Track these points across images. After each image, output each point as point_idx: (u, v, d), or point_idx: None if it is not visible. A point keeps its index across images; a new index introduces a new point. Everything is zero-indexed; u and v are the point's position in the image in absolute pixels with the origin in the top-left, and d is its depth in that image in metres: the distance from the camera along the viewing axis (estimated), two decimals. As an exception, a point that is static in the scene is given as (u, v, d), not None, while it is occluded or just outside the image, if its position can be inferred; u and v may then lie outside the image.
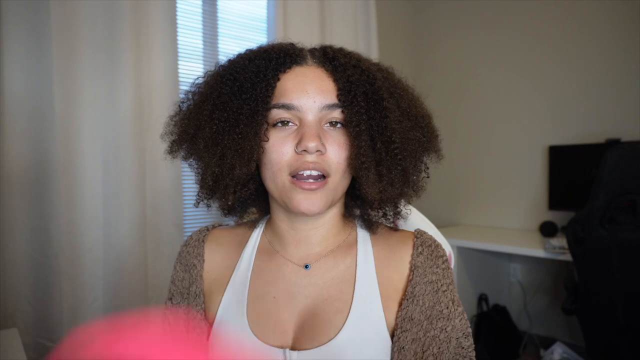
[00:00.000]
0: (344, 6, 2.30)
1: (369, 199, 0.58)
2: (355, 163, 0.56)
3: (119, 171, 1.59)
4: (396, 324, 0.59)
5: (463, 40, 2.68)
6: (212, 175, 0.58)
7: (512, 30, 2.47)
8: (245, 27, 2.09)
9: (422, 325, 0.58)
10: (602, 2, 2.17)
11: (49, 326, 1.49)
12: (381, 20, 2.50)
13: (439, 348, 0.57)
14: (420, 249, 0.62)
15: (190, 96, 0.64)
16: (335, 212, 0.64)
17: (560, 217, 2.20)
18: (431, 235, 0.66)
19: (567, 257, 1.68)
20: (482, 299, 2.35)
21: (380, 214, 0.65)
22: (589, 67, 2.21)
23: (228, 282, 0.65)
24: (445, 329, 0.58)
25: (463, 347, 0.59)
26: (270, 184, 0.59)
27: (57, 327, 1.49)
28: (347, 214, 0.67)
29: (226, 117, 0.56)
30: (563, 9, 2.28)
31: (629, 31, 2.08)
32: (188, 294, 0.66)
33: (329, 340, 0.57)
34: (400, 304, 0.60)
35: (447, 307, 0.59)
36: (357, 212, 0.68)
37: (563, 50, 2.29)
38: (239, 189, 0.61)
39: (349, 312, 0.59)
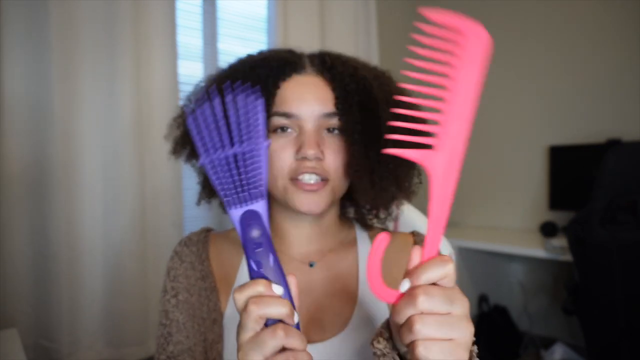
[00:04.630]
0: (344, 6, 2.29)
1: (362, 203, 0.63)
2: (350, 170, 0.59)
3: (119, 171, 1.58)
4: None
5: (463, 40, 2.68)
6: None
7: (512, 31, 2.47)
8: (245, 27, 2.08)
9: None
10: (602, 2, 2.16)
11: (49, 326, 1.49)
12: (381, 20, 2.50)
13: None
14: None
15: (192, 98, 0.65)
16: (333, 211, 0.67)
17: (560, 217, 2.20)
18: None
19: (568, 257, 1.67)
20: (483, 299, 2.34)
21: (373, 215, 0.70)
22: (590, 67, 2.21)
23: (234, 281, 0.66)
24: None
25: None
26: (270, 186, 0.61)
27: (57, 327, 1.49)
28: (343, 214, 0.71)
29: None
30: (563, 9, 2.28)
31: (629, 31, 2.07)
32: (199, 289, 0.66)
33: (340, 331, 0.60)
34: None
35: None
36: (352, 212, 0.71)
37: (563, 50, 2.29)
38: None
39: (355, 303, 0.62)
